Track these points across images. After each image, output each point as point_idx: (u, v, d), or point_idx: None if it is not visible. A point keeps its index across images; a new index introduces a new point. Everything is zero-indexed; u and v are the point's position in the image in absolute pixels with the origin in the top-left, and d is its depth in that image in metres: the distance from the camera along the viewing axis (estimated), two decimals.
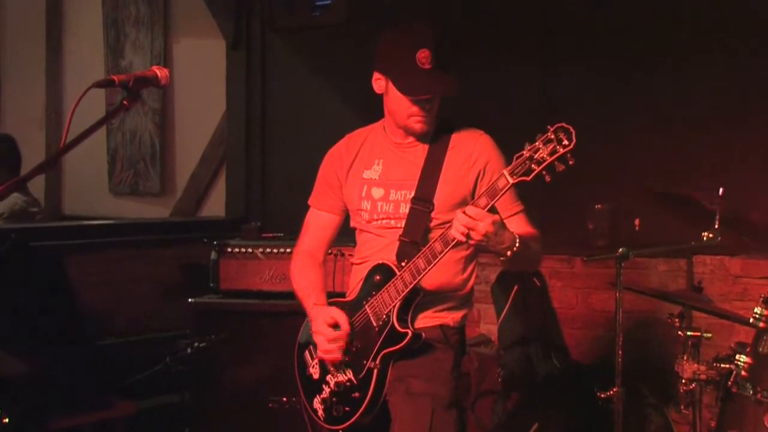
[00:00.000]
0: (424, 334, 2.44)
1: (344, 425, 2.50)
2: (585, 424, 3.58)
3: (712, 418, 2.99)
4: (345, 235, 2.80)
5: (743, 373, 2.78)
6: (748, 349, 2.83)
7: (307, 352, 2.65)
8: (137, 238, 4.64)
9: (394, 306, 2.42)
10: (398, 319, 2.42)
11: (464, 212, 2.23)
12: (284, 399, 3.65)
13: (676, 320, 3.05)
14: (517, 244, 2.29)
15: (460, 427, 2.48)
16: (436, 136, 2.54)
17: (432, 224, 2.47)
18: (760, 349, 2.80)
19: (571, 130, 2.15)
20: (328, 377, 2.54)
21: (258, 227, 4.28)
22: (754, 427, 2.71)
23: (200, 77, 5.52)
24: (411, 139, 2.56)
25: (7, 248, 3.53)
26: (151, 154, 5.84)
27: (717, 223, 3.09)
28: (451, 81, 2.43)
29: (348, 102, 4.70)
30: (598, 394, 3.13)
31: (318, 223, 2.73)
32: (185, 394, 3.84)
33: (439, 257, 2.33)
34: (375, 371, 2.43)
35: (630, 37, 4.05)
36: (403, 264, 2.42)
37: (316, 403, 2.58)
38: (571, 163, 2.16)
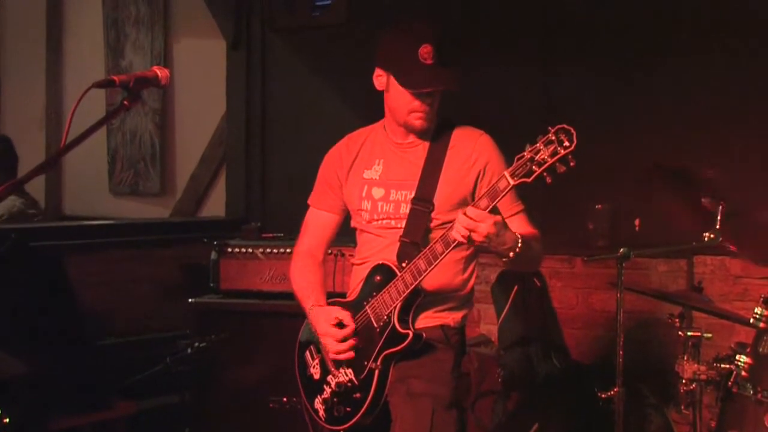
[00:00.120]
0: (424, 335, 2.44)
1: (345, 426, 2.51)
2: (585, 425, 3.58)
3: (712, 418, 2.98)
4: (345, 235, 2.80)
5: (743, 373, 2.78)
6: (748, 350, 2.83)
7: (307, 352, 2.65)
8: (137, 239, 4.64)
9: (395, 307, 2.42)
10: (399, 320, 2.42)
11: (465, 213, 2.23)
12: (284, 399, 3.65)
13: (677, 320, 3.05)
14: (519, 245, 2.29)
15: (461, 427, 2.49)
16: (437, 136, 2.54)
17: (432, 225, 2.47)
18: (761, 350, 2.80)
19: (572, 131, 2.15)
20: (329, 378, 2.54)
21: (258, 227, 4.28)
22: (755, 428, 2.71)
23: (200, 77, 5.51)
24: (411, 138, 2.56)
25: (7, 248, 3.53)
26: (152, 155, 5.84)
27: (718, 223, 3.09)
28: (453, 76, 2.43)
29: (348, 102, 4.70)
30: (599, 394, 3.13)
31: (318, 223, 2.73)
32: (185, 395, 3.83)
33: (440, 258, 2.33)
34: (376, 372, 2.43)
35: (630, 37, 4.05)
36: (404, 265, 2.42)
37: (317, 404, 2.58)
38: (572, 164, 2.16)
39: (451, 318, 2.54)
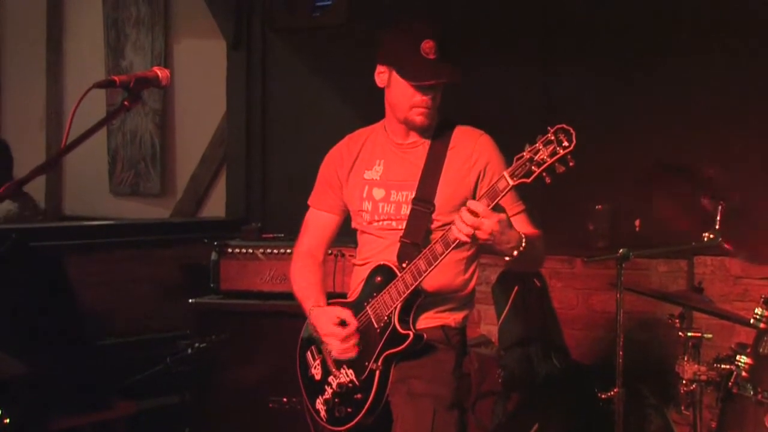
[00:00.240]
0: (425, 335, 2.44)
1: (347, 426, 2.50)
2: (585, 425, 3.58)
3: (712, 418, 2.98)
4: (345, 236, 2.80)
5: (744, 373, 2.78)
6: (748, 350, 2.83)
7: (308, 352, 2.65)
8: (137, 239, 4.64)
9: (396, 307, 2.42)
10: (400, 321, 2.42)
11: (468, 209, 2.22)
12: (284, 399, 3.65)
13: (677, 321, 3.05)
14: (523, 244, 2.29)
15: (462, 427, 2.49)
16: (437, 136, 2.54)
17: (433, 225, 2.47)
18: (761, 350, 2.79)
19: (572, 131, 2.15)
20: (330, 378, 2.54)
21: (258, 228, 4.28)
22: (755, 428, 2.71)
23: (201, 78, 5.51)
24: (412, 139, 2.56)
25: (8, 248, 3.53)
26: (152, 155, 5.84)
27: (718, 223, 3.09)
28: (455, 71, 2.43)
29: (348, 103, 4.70)
30: (599, 394, 3.13)
31: (318, 223, 2.73)
32: (185, 395, 3.84)
33: (440, 259, 2.33)
34: (377, 372, 2.43)
35: (630, 37, 4.05)
36: (404, 265, 2.42)
37: (319, 404, 2.58)
38: (571, 164, 2.16)
39: (452, 318, 2.54)
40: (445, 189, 2.48)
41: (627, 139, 4.02)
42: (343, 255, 3.60)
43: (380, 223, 2.55)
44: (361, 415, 2.47)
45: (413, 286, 2.39)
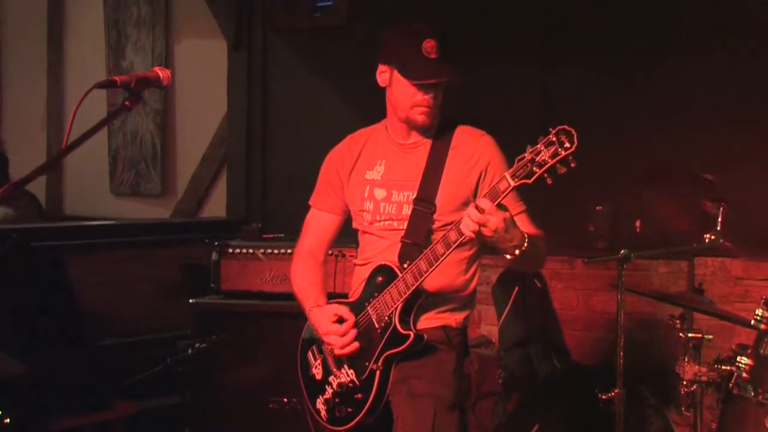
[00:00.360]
0: (426, 335, 2.44)
1: (347, 426, 2.51)
2: (585, 426, 3.58)
3: (713, 419, 2.99)
4: (346, 236, 2.80)
5: (744, 374, 2.78)
6: (749, 351, 2.83)
7: (309, 352, 2.65)
8: (138, 239, 4.64)
9: (396, 308, 2.42)
10: (400, 321, 2.42)
11: (476, 206, 2.22)
12: (285, 400, 3.65)
13: (677, 322, 3.05)
14: (525, 243, 2.29)
15: (462, 428, 2.48)
16: (438, 136, 2.54)
17: (434, 226, 2.47)
18: (761, 351, 2.80)
19: (573, 132, 2.15)
20: (331, 378, 2.54)
21: (259, 228, 4.29)
22: (755, 429, 2.71)
23: (201, 78, 5.51)
24: (413, 139, 2.56)
25: (8, 248, 3.53)
26: (152, 155, 5.84)
27: (719, 225, 3.09)
28: (457, 71, 2.43)
29: (349, 103, 4.70)
30: (599, 395, 3.13)
31: (319, 224, 2.73)
32: (186, 395, 3.83)
33: (441, 259, 2.33)
34: (377, 373, 2.43)
35: (630, 37, 4.05)
36: (405, 265, 2.42)
37: (319, 404, 2.58)
38: (572, 165, 2.16)
39: (453, 319, 2.54)
40: (447, 189, 2.48)
41: (627, 140, 4.02)
42: (343, 255, 3.60)
43: (381, 223, 2.55)
44: (361, 415, 2.47)
45: (414, 287, 2.39)
